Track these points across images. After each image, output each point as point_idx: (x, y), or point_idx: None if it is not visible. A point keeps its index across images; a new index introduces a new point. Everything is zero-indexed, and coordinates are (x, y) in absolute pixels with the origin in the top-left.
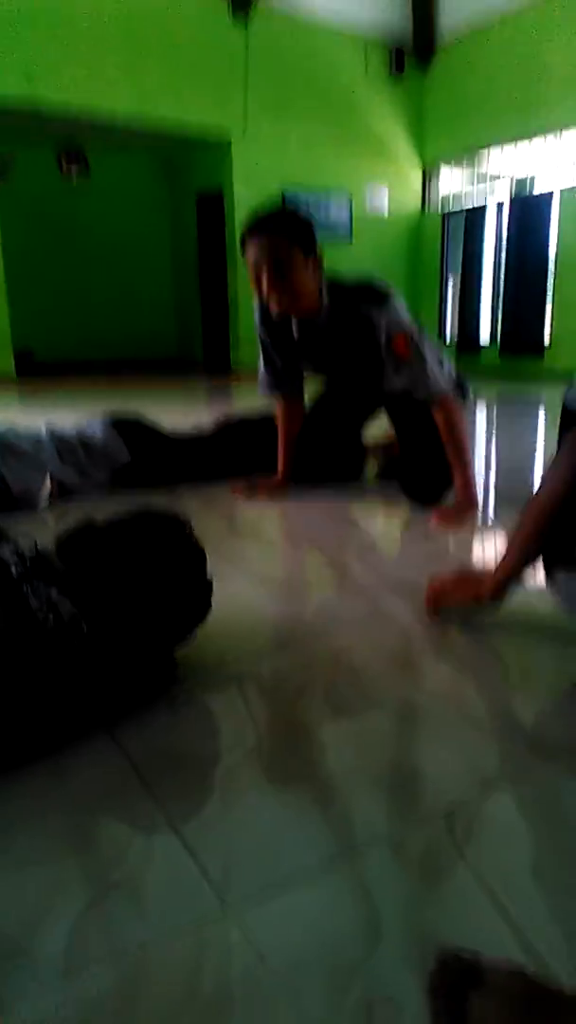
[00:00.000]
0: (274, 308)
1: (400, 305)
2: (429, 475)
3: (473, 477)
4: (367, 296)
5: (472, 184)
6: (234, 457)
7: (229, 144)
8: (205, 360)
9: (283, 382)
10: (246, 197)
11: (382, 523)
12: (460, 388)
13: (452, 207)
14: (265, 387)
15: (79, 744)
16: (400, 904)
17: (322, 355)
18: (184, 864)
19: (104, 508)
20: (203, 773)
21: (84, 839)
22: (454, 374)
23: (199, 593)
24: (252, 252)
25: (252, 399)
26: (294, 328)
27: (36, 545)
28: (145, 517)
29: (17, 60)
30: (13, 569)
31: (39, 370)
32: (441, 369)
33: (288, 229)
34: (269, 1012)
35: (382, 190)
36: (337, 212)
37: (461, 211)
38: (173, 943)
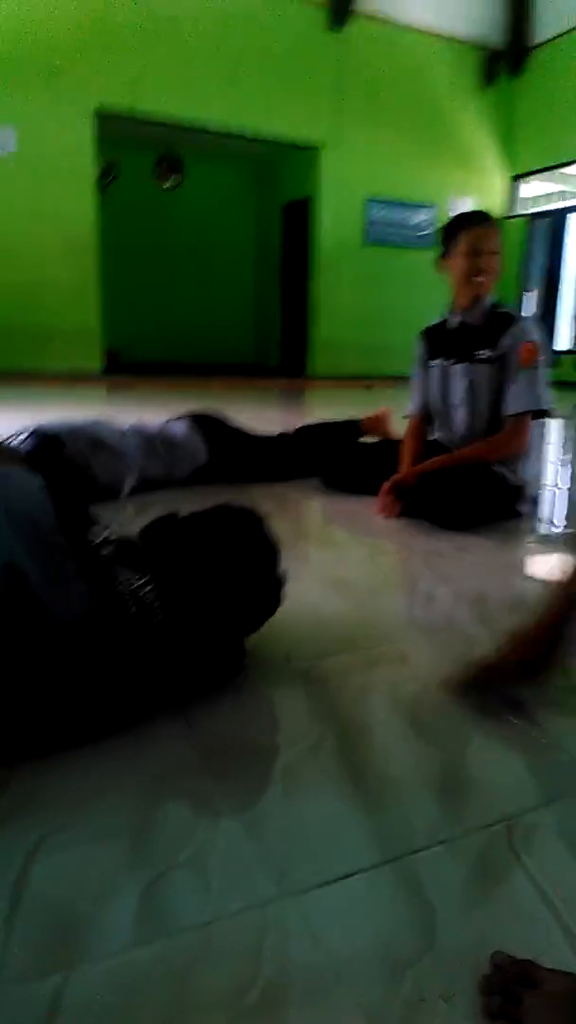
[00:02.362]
0: (478, 289)
1: (535, 325)
2: (457, 502)
3: (447, 464)
4: (513, 308)
5: (558, 190)
6: (311, 459)
7: (319, 153)
8: (281, 366)
9: (423, 407)
10: (333, 206)
11: (453, 533)
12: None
13: (536, 215)
14: (411, 409)
15: (152, 725)
16: (455, 904)
17: (465, 348)
18: (246, 848)
19: (183, 502)
20: (267, 763)
21: (153, 817)
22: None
23: (271, 587)
24: (473, 236)
25: (325, 404)
26: (452, 321)
27: (122, 532)
28: (223, 512)
29: (121, 70)
30: (104, 552)
31: (124, 370)
32: (545, 392)
33: (497, 223)
34: (326, 995)
35: (466, 201)
36: (423, 218)
37: (545, 218)
38: (235, 922)
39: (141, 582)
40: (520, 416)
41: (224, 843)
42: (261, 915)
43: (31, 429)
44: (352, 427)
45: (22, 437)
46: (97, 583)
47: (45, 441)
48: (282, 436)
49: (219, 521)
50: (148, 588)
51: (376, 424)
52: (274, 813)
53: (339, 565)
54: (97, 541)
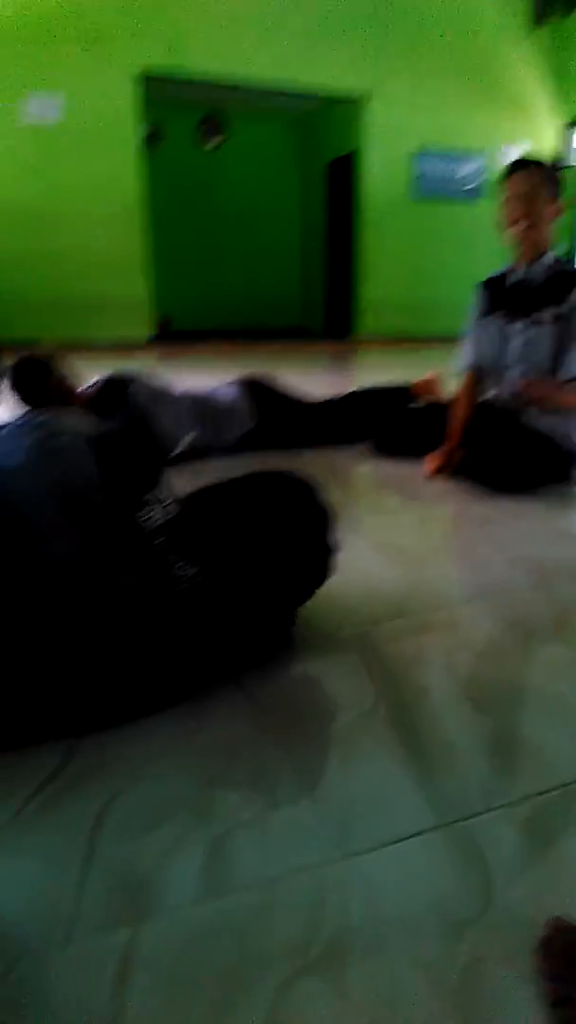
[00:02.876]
0: (516, 234)
1: None
2: (511, 466)
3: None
4: None
5: None
6: (361, 424)
7: (362, 105)
8: (327, 328)
9: (483, 358)
10: (378, 159)
11: (504, 498)
12: None
13: None
14: (466, 362)
15: (211, 695)
16: (512, 868)
17: (525, 305)
18: (305, 810)
19: (232, 467)
20: (323, 728)
21: (214, 781)
22: None
23: (321, 556)
24: (513, 182)
25: (374, 366)
26: (511, 278)
27: (175, 504)
28: (273, 477)
29: (161, 30)
30: (158, 542)
31: (174, 337)
32: None
33: (541, 167)
34: (385, 954)
35: (517, 149)
36: (470, 170)
37: None
38: (296, 881)
39: (188, 568)
40: None
41: (284, 806)
42: (321, 875)
43: (102, 378)
44: (402, 392)
45: (93, 383)
46: (150, 572)
47: (110, 382)
48: (329, 402)
49: (270, 488)
50: (195, 571)
51: (426, 388)
52: (331, 777)
53: (391, 531)
54: (151, 527)
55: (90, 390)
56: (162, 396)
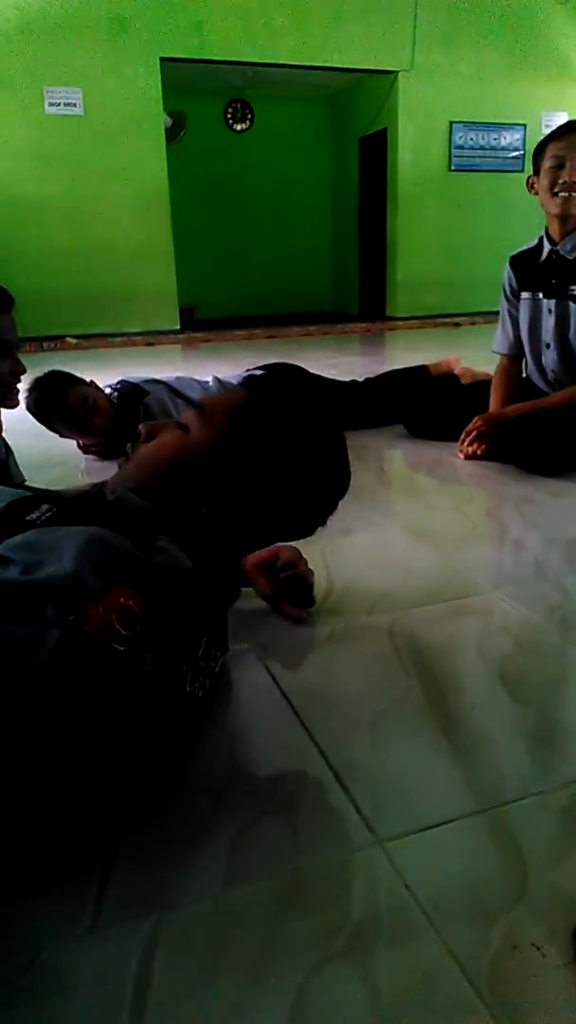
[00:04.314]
0: (558, 207)
1: None
2: (549, 445)
3: (535, 409)
4: None
5: None
6: (393, 406)
7: (396, 80)
8: (360, 310)
9: (514, 345)
10: (411, 135)
11: (545, 478)
12: None
13: None
14: (499, 345)
15: (237, 678)
16: (548, 856)
17: (558, 282)
18: (336, 795)
19: None
20: (353, 713)
21: (241, 765)
22: None
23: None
24: (557, 147)
25: (408, 348)
26: (544, 252)
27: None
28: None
29: (187, 17)
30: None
31: (199, 326)
32: None
33: None
34: (415, 940)
35: (561, 117)
36: (510, 139)
37: None
38: (325, 867)
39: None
40: None
41: (313, 791)
42: (350, 861)
43: (118, 381)
44: (421, 373)
45: (111, 386)
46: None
47: (129, 392)
48: (353, 383)
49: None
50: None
51: (445, 371)
52: (362, 761)
53: (425, 514)
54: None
55: (111, 396)
56: (182, 393)
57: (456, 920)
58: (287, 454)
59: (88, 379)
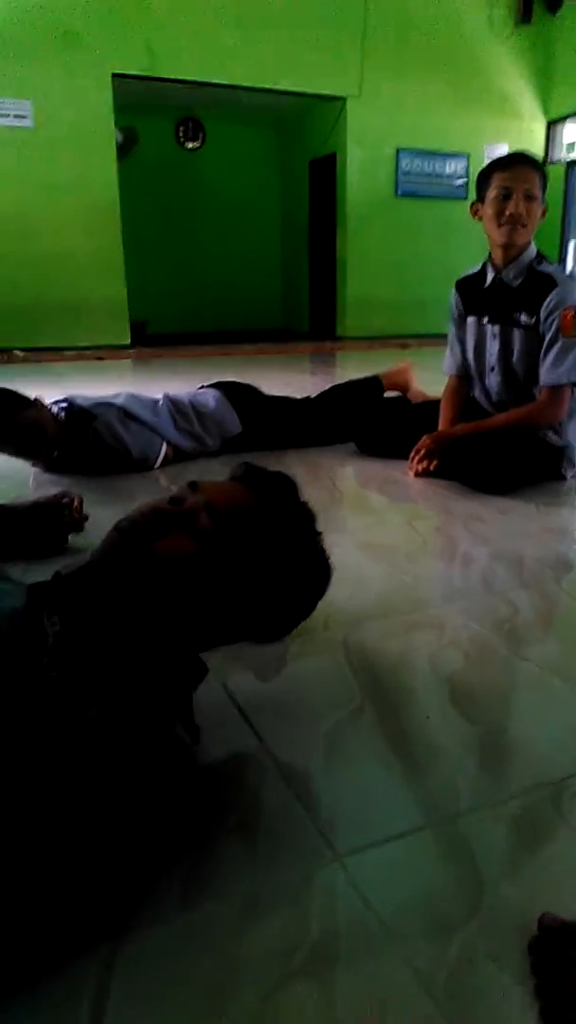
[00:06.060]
0: (503, 237)
1: None
2: (497, 464)
3: (480, 429)
4: (557, 269)
5: None
6: (345, 423)
7: (344, 107)
8: (310, 329)
9: (461, 366)
10: (360, 160)
11: (486, 496)
12: None
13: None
14: (448, 367)
15: (199, 697)
16: (502, 867)
17: (501, 308)
18: (294, 811)
19: (214, 471)
20: (310, 729)
21: (200, 784)
22: None
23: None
24: (504, 178)
25: (358, 367)
26: (487, 280)
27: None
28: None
29: (139, 35)
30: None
31: (150, 342)
32: None
33: (539, 165)
34: (374, 956)
35: (501, 148)
36: (455, 167)
37: None
38: (284, 884)
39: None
40: (558, 388)
41: (269, 807)
42: (308, 878)
43: (64, 398)
44: (374, 383)
45: (57, 404)
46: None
47: (76, 414)
48: (306, 400)
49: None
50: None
51: (398, 378)
52: (318, 778)
53: (376, 530)
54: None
55: (57, 414)
56: (132, 415)
57: (413, 935)
58: (291, 564)
59: (33, 396)
